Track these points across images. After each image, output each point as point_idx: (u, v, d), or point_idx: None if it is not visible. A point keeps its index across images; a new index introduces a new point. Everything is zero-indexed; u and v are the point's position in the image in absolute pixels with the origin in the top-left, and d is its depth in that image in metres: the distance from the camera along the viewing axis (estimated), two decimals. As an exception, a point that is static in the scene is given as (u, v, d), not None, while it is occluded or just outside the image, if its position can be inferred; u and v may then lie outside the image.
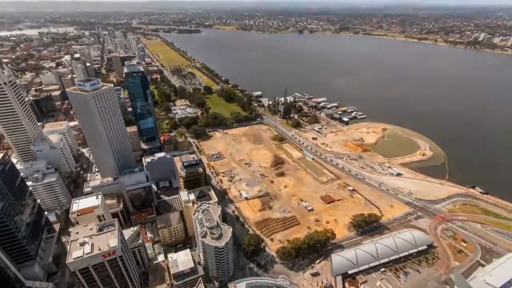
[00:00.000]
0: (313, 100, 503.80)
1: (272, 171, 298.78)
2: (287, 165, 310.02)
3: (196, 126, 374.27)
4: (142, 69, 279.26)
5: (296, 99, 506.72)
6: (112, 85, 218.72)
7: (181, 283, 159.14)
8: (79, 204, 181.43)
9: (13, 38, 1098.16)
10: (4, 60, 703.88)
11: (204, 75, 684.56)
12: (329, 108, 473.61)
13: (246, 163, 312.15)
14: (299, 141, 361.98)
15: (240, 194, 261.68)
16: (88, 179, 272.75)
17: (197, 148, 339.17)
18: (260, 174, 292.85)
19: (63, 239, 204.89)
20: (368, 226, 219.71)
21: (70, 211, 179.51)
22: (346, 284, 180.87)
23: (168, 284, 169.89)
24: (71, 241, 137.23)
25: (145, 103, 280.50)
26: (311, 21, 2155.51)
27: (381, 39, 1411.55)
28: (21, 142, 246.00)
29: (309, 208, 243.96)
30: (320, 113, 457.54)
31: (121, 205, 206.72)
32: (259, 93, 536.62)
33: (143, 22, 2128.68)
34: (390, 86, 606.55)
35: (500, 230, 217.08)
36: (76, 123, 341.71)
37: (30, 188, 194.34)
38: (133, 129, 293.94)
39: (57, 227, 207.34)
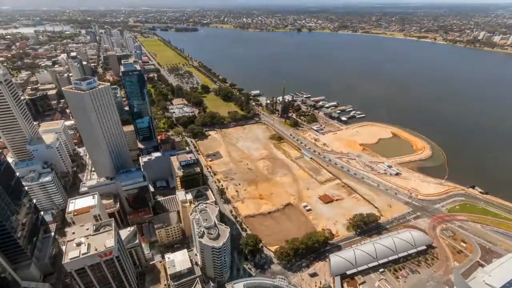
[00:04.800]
0: (312, 99, 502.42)
1: (270, 170, 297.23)
2: (285, 164, 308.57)
3: (193, 126, 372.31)
4: (139, 68, 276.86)
5: (295, 98, 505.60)
6: (109, 84, 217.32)
7: (178, 283, 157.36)
8: (75, 204, 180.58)
9: (8, 37, 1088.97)
10: (0, 59, 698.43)
11: (202, 74, 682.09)
12: (327, 107, 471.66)
13: (243, 163, 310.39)
14: (297, 140, 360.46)
15: (238, 194, 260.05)
16: (84, 179, 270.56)
17: (194, 147, 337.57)
18: (257, 174, 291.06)
19: (60, 239, 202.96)
20: (366, 226, 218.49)
21: (66, 211, 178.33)
22: (345, 285, 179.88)
23: (165, 285, 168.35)
24: (67, 241, 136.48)
25: (142, 102, 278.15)
26: (309, 19, 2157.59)
27: (380, 38, 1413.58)
28: (17, 142, 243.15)
29: (307, 208, 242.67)
30: (318, 112, 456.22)
31: (118, 205, 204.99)
32: (257, 92, 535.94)
33: (140, 20, 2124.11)
34: (390, 86, 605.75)
35: (500, 230, 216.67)
36: (72, 122, 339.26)
37: (26, 188, 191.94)
38: (130, 128, 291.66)
39: (53, 227, 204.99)
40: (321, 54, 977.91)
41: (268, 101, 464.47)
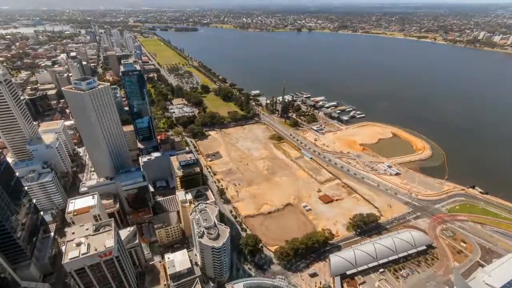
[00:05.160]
0: (312, 99, 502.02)
1: (270, 170, 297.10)
2: (285, 164, 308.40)
3: (193, 125, 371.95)
4: (138, 68, 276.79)
5: (295, 98, 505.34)
6: (109, 84, 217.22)
7: (178, 283, 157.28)
8: (75, 204, 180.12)
9: (8, 37, 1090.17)
10: (0, 59, 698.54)
11: (201, 74, 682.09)
12: (327, 107, 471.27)
13: (243, 163, 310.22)
14: (297, 140, 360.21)
15: (238, 194, 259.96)
16: (84, 179, 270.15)
17: (194, 147, 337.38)
18: (257, 174, 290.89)
19: (59, 239, 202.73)
20: (366, 226, 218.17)
21: (66, 211, 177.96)
22: (345, 285, 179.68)
23: (165, 285, 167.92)
24: (67, 241, 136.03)
25: (141, 102, 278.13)
26: (309, 19, 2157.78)
27: (380, 38, 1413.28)
28: (16, 142, 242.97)
29: (307, 208, 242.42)
30: (318, 112, 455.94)
31: (118, 205, 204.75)
32: (257, 92, 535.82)
33: (139, 20, 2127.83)
34: (390, 86, 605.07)
35: (500, 230, 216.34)
36: (72, 122, 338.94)
37: (26, 188, 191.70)
38: (129, 128, 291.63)
39: (53, 227, 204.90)
40: (321, 54, 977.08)
41: (268, 101, 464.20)
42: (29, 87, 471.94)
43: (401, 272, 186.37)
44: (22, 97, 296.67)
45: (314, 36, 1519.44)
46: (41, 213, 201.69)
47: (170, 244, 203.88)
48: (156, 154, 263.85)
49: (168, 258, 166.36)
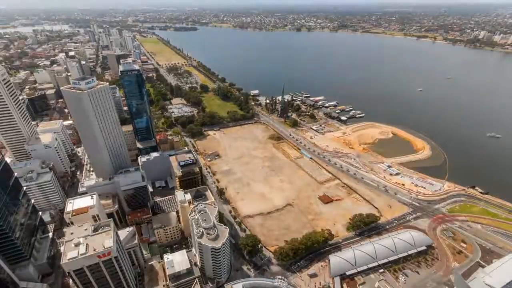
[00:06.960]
0: (311, 98, 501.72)
1: (269, 170, 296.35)
2: (284, 164, 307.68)
3: (192, 125, 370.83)
4: (137, 68, 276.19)
5: (294, 98, 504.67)
6: (107, 83, 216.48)
7: (177, 284, 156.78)
8: (73, 204, 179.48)
9: (7, 36, 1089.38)
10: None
11: (201, 73, 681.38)
12: (327, 107, 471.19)
13: (242, 163, 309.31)
14: (296, 140, 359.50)
15: (237, 194, 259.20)
16: (83, 179, 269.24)
17: (193, 147, 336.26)
18: (257, 174, 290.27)
19: (58, 239, 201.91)
20: (366, 227, 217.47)
21: (65, 211, 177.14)
22: (344, 285, 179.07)
23: (164, 285, 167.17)
24: (66, 242, 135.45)
25: (140, 101, 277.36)
26: (309, 19, 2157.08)
27: (380, 37, 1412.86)
28: (15, 141, 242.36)
29: (307, 208, 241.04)
30: (318, 112, 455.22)
31: (116, 205, 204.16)
32: (256, 91, 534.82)
33: (138, 19, 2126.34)
34: (389, 86, 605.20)
35: (500, 231, 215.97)
36: (70, 122, 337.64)
37: (24, 187, 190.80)
38: (128, 128, 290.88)
39: (51, 227, 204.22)
40: (320, 53, 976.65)
41: (268, 101, 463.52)
42: (28, 87, 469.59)
43: (401, 273, 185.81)
44: (20, 97, 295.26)
45: (314, 35, 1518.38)
46: (40, 213, 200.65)
47: (169, 244, 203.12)
48: (155, 154, 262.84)
49: (167, 258, 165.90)
